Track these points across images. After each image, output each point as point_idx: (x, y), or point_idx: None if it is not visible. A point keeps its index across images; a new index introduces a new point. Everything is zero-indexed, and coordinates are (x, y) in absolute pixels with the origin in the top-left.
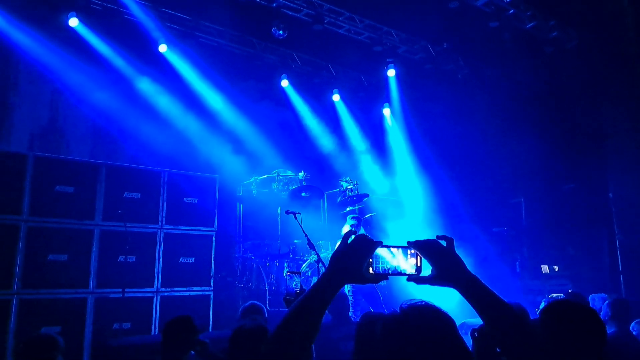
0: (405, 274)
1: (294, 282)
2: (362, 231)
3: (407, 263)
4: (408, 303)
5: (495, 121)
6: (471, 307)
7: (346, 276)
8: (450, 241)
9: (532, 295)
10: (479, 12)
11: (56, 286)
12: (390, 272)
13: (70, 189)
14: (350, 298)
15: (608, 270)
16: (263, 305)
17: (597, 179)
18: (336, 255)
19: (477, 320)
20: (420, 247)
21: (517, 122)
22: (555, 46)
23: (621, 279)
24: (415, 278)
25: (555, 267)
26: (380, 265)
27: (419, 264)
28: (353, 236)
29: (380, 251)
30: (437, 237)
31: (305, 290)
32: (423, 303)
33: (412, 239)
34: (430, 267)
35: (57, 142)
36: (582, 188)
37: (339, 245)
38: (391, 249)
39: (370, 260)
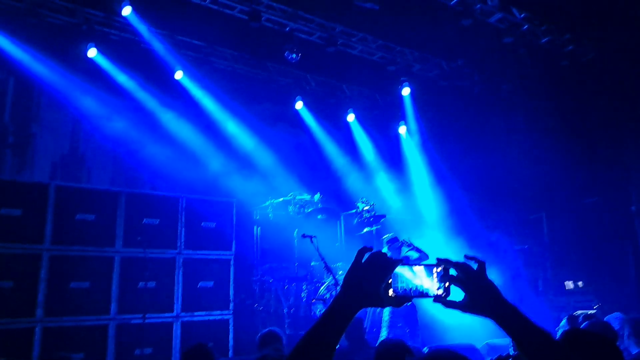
0: (430, 296)
1: (318, 309)
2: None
3: (431, 283)
4: (434, 348)
5: (513, 136)
6: (494, 325)
7: (362, 299)
8: (482, 264)
9: (556, 312)
10: (492, 29)
11: (78, 313)
12: (413, 293)
13: (91, 217)
14: (387, 319)
15: (634, 284)
16: (281, 332)
17: (620, 192)
18: (349, 276)
19: (502, 341)
20: (453, 269)
21: (535, 136)
22: (572, 60)
23: None
24: (444, 301)
25: (580, 282)
26: (400, 285)
27: (446, 285)
28: (367, 254)
29: (401, 270)
30: (466, 257)
31: None
32: (448, 350)
33: (439, 258)
34: (457, 289)
35: (78, 171)
36: (604, 201)
37: (352, 264)
38: (413, 267)
39: (390, 280)
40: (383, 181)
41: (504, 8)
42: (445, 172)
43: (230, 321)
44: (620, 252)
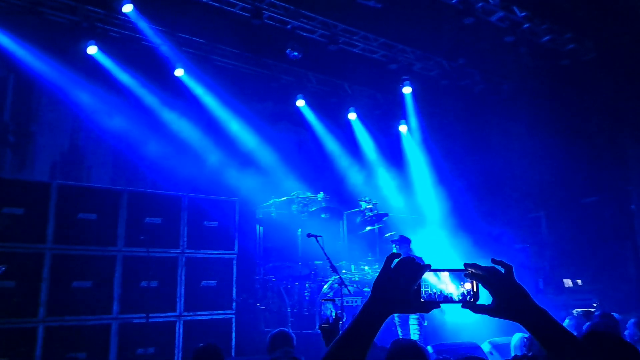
0: (458, 301)
1: (329, 309)
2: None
3: (457, 288)
4: (437, 346)
5: (513, 135)
6: (491, 323)
7: (392, 304)
8: (509, 269)
9: (557, 311)
10: (493, 27)
11: (81, 313)
12: (438, 298)
13: (93, 216)
14: (398, 320)
15: (634, 282)
16: (291, 333)
17: (619, 191)
18: (379, 281)
19: (504, 340)
20: (481, 273)
21: (535, 135)
22: (572, 58)
23: None
24: (472, 306)
25: (579, 281)
26: (426, 290)
27: (474, 290)
28: (397, 259)
29: (426, 275)
30: (493, 261)
31: (340, 317)
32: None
33: (467, 263)
34: (481, 294)
35: (78, 169)
36: (604, 201)
37: (382, 269)
38: (439, 272)
39: (419, 285)
40: (385, 179)
41: (505, 7)
42: (446, 171)
43: (233, 320)
44: (620, 250)
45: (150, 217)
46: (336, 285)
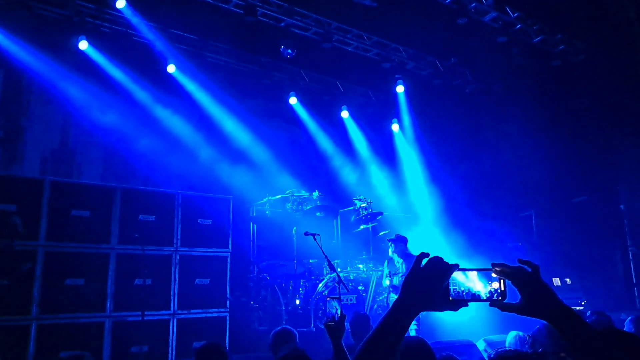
0: (483, 299)
1: (334, 307)
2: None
3: (484, 287)
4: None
5: (504, 135)
6: (486, 321)
7: (421, 303)
8: (535, 268)
9: None
10: (486, 27)
11: (74, 311)
12: (466, 296)
13: (86, 213)
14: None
15: (622, 282)
16: (294, 330)
17: (608, 191)
18: (409, 280)
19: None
20: (509, 273)
21: (526, 135)
22: (563, 59)
23: (635, 292)
24: (500, 304)
25: (568, 279)
26: (454, 288)
27: (502, 288)
28: (426, 259)
29: (455, 274)
30: (519, 261)
31: (345, 315)
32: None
33: (494, 262)
34: (507, 293)
35: (69, 165)
36: (594, 200)
37: (412, 269)
38: (467, 272)
39: (447, 284)
40: (378, 178)
41: (498, 7)
42: (439, 170)
43: (227, 319)
44: (609, 250)
45: (144, 215)
46: (331, 284)
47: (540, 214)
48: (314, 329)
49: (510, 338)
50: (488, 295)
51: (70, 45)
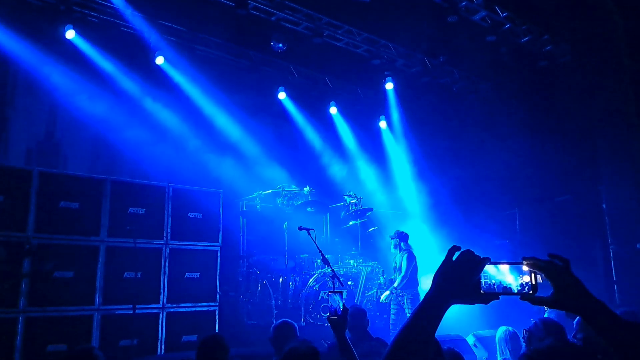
0: (516, 293)
1: (336, 301)
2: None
3: (515, 281)
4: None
5: (490, 133)
6: (476, 317)
7: (453, 295)
8: (566, 262)
9: (528, 306)
10: (475, 26)
11: (62, 303)
12: (497, 289)
13: (75, 205)
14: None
15: (603, 280)
16: (295, 324)
17: (591, 191)
18: (440, 273)
19: (487, 332)
20: (541, 266)
21: (510, 134)
22: (549, 60)
23: (615, 289)
24: (531, 298)
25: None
26: (486, 281)
27: (534, 282)
28: (458, 252)
29: (486, 267)
30: (549, 255)
31: (348, 309)
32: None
33: (525, 256)
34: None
35: (55, 157)
36: (576, 199)
37: (443, 262)
38: (498, 265)
39: (479, 278)
40: (367, 174)
41: (488, 6)
42: (426, 167)
43: (216, 313)
44: (590, 248)
45: (134, 207)
46: (323, 278)
47: (523, 212)
48: (304, 324)
49: (500, 333)
50: (519, 289)
51: (57, 34)
